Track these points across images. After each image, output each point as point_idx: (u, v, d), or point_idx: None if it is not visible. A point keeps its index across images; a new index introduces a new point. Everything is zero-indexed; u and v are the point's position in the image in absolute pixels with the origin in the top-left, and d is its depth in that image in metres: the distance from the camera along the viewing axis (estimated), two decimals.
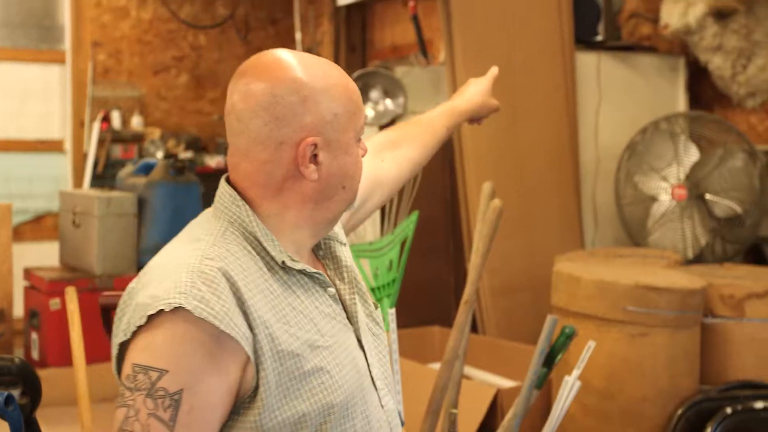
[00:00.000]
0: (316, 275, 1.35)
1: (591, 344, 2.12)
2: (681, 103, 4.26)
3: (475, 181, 3.75)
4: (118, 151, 6.34)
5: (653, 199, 3.72)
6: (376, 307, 1.49)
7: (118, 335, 1.24)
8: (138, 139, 6.43)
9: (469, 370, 3.59)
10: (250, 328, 1.22)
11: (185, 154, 6.30)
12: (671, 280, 2.81)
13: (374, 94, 4.21)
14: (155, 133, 6.44)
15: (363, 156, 1.40)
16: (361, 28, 6.44)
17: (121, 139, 6.36)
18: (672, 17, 3.91)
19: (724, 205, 3.59)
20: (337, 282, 1.43)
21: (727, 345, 2.92)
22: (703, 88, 4.37)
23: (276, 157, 1.29)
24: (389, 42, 6.28)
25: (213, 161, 6.41)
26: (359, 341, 1.39)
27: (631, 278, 2.78)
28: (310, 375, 1.26)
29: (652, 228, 3.71)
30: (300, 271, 1.33)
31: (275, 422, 1.23)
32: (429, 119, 1.85)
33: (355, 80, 4.31)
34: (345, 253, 1.48)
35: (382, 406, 1.39)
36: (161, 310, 1.18)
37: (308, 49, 6.40)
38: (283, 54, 1.33)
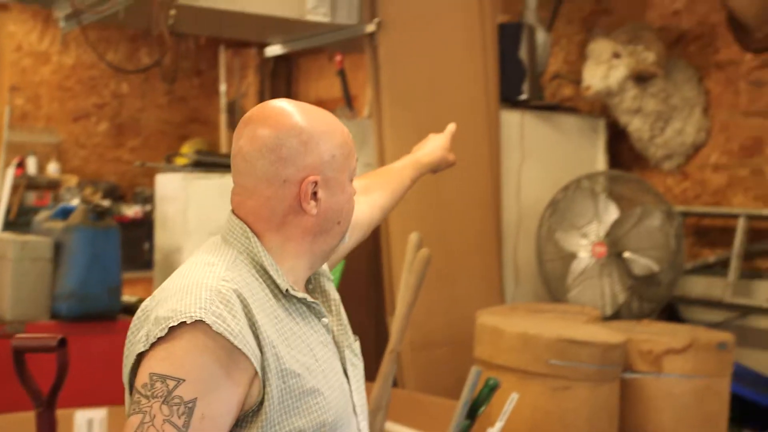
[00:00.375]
0: (314, 305, 1.47)
1: (514, 396, 2.13)
2: (601, 164, 4.35)
3: (399, 235, 3.75)
4: (32, 197, 6.21)
5: (573, 256, 3.77)
6: (355, 340, 1.61)
7: (137, 345, 1.31)
8: (54, 186, 6.30)
9: (388, 425, 3.55)
10: (260, 347, 1.32)
11: (103, 203, 6.18)
12: (592, 335, 2.84)
13: None
14: (72, 180, 6.32)
15: (354, 195, 1.52)
16: (287, 81, 6.46)
17: (36, 185, 6.23)
18: (594, 79, 4.01)
19: (641, 263, 3.66)
20: (326, 314, 1.54)
21: (646, 400, 2.96)
22: (622, 150, 4.48)
23: (280, 194, 1.41)
24: (314, 96, 6.31)
25: (131, 211, 6.32)
26: (344, 370, 1.52)
27: (553, 332, 2.80)
28: (308, 395, 1.38)
29: (571, 285, 3.75)
30: (300, 300, 1.45)
31: None
32: (396, 169, 2.01)
33: None
34: (331, 288, 1.60)
35: (359, 431, 1.53)
36: (183, 323, 1.26)
37: (232, 101, 6.39)
38: (284, 103, 1.46)
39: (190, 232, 3.44)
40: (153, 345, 1.28)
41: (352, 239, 1.79)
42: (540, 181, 4.16)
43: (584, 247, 3.74)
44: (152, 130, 6.41)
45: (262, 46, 6.19)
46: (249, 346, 1.29)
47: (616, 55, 4.01)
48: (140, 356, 1.30)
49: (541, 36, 4.33)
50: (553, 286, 3.79)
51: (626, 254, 3.70)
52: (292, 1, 3.74)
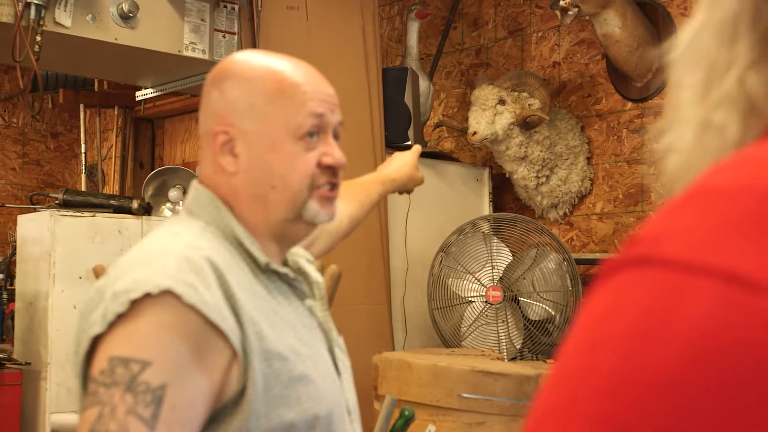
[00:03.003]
0: (297, 282, 1.29)
1: (431, 429, 1.95)
2: (486, 213, 4.27)
3: None
4: None
5: (467, 301, 3.62)
6: (339, 335, 1.42)
7: (92, 328, 1.08)
8: None
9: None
10: (239, 323, 1.11)
11: None
12: (506, 367, 2.68)
13: (173, 193, 3.94)
14: None
15: (329, 163, 1.31)
16: (152, 143, 6.19)
17: None
18: (480, 125, 3.94)
19: (538, 307, 3.55)
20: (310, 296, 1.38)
21: None
22: (507, 200, 4.43)
23: (208, 152, 1.28)
24: (180, 158, 6.05)
25: None
26: (334, 361, 1.33)
27: (465, 364, 2.63)
28: (297, 382, 1.17)
29: (466, 332, 3.60)
30: (281, 277, 1.27)
31: (261, 430, 1.11)
32: (363, 183, 1.86)
33: (154, 177, 4.05)
34: (313, 270, 1.42)
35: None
36: (147, 295, 1.05)
37: (93, 164, 6.05)
38: (242, 52, 1.34)
39: (55, 275, 3.12)
40: (111, 325, 1.07)
41: (319, 246, 1.64)
42: (426, 229, 4.04)
43: (478, 291, 3.61)
44: (4, 194, 5.99)
45: (127, 105, 5.94)
46: (226, 322, 1.09)
47: (502, 102, 3.96)
48: (96, 341, 1.09)
49: (423, 84, 4.27)
50: (446, 334, 3.63)
51: (522, 298, 3.58)
52: (168, 36, 3.54)
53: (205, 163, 1.30)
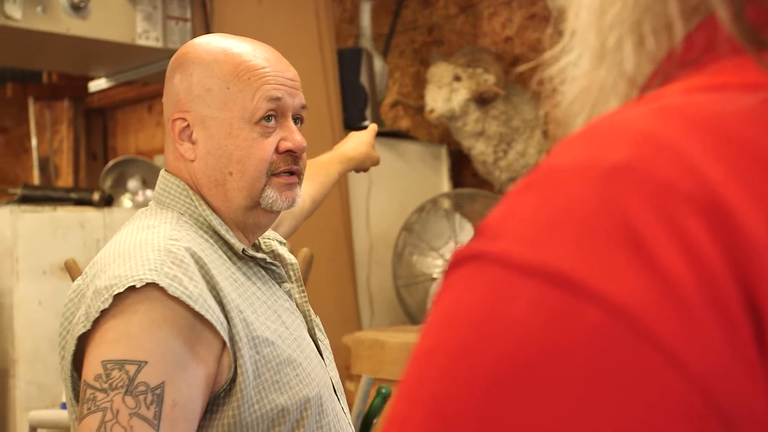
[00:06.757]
0: (274, 266, 1.29)
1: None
2: (446, 190, 4.30)
3: None
4: None
5: (432, 278, 3.65)
6: (315, 316, 1.43)
7: (76, 328, 1.06)
8: None
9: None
10: (225, 313, 1.11)
11: None
12: None
13: (132, 183, 3.92)
14: None
15: (288, 147, 1.29)
16: (103, 134, 6.12)
17: None
18: (437, 102, 3.95)
19: None
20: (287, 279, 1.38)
21: None
22: (465, 176, 4.45)
23: (169, 139, 1.27)
24: (134, 148, 5.99)
25: None
26: (315, 342, 1.34)
27: None
28: (286, 365, 1.17)
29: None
30: (259, 262, 1.26)
31: (255, 416, 1.11)
32: (322, 162, 1.84)
33: (112, 168, 4.02)
34: (286, 252, 1.42)
35: (342, 410, 1.33)
36: (130, 289, 1.03)
37: (45, 158, 5.98)
38: (204, 36, 1.32)
39: (19, 271, 3.09)
40: (96, 322, 1.05)
41: (283, 228, 1.63)
42: (388, 209, 4.06)
43: (442, 267, 3.64)
44: None
45: (77, 97, 5.86)
46: (213, 312, 1.09)
47: (457, 78, 3.98)
48: (82, 340, 1.07)
49: (378, 63, 4.27)
50: (413, 311, 3.65)
51: None
52: (121, 26, 3.50)
53: (168, 150, 1.29)
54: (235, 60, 1.26)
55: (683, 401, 0.36)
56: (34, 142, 5.85)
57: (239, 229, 1.29)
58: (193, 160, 1.24)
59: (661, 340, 0.36)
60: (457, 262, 0.45)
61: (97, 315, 1.04)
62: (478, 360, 0.39)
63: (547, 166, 0.43)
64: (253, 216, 1.28)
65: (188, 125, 1.24)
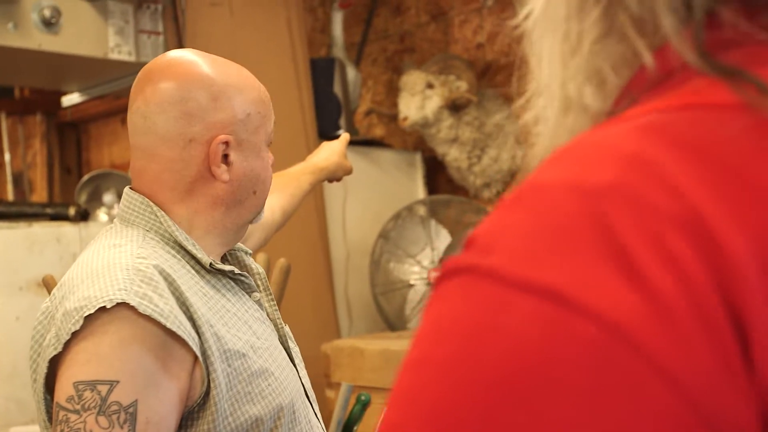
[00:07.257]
0: (243, 277, 1.30)
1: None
2: (421, 197, 4.32)
3: None
4: None
5: (409, 284, 3.68)
6: (284, 325, 1.45)
7: (47, 351, 1.07)
8: None
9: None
10: (195, 328, 1.12)
11: None
12: None
13: (108, 197, 3.92)
14: None
15: (271, 164, 1.37)
16: (77, 148, 6.10)
17: None
18: (410, 110, 3.98)
19: None
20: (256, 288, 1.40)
21: None
22: (440, 182, 4.48)
23: (185, 156, 1.24)
24: (108, 162, 5.97)
25: None
26: (287, 350, 1.36)
27: None
28: (258, 376, 1.19)
29: (410, 314, 3.65)
30: (227, 275, 1.27)
31: (229, 428, 1.13)
32: (292, 173, 1.87)
33: (86, 183, 4.01)
34: (253, 262, 1.44)
35: (315, 415, 1.36)
36: (101, 310, 1.04)
37: (19, 173, 5.95)
38: (188, 53, 1.31)
39: None
40: (67, 344, 1.06)
41: (253, 241, 1.65)
42: (364, 217, 4.08)
43: (419, 274, 3.66)
44: None
45: (50, 111, 5.84)
46: (184, 329, 1.10)
47: (430, 86, 4.01)
48: (54, 362, 1.07)
49: (351, 72, 4.29)
50: (391, 318, 3.67)
51: None
52: (93, 40, 3.50)
53: (178, 166, 1.26)
54: (254, 84, 1.33)
55: (672, 412, 0.38)
56: (7, 157, 5.82)
57: (223, 244, 1.32)
58: (227, 182, 1.27)
59: (651, 354, 0.38)
60: (448, 273, 0.45)
61: (68, 337, 1.05)
62: (474, 368, 0.40)
63: (533, 181, 0.45)
64: (243, 230, 1.36)
65: (228, 146, 1.27)
